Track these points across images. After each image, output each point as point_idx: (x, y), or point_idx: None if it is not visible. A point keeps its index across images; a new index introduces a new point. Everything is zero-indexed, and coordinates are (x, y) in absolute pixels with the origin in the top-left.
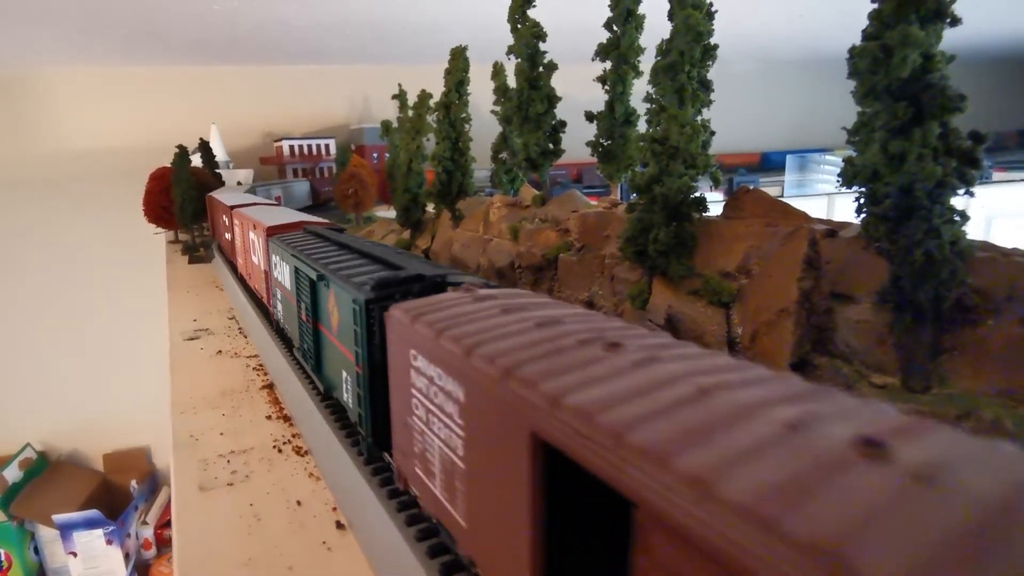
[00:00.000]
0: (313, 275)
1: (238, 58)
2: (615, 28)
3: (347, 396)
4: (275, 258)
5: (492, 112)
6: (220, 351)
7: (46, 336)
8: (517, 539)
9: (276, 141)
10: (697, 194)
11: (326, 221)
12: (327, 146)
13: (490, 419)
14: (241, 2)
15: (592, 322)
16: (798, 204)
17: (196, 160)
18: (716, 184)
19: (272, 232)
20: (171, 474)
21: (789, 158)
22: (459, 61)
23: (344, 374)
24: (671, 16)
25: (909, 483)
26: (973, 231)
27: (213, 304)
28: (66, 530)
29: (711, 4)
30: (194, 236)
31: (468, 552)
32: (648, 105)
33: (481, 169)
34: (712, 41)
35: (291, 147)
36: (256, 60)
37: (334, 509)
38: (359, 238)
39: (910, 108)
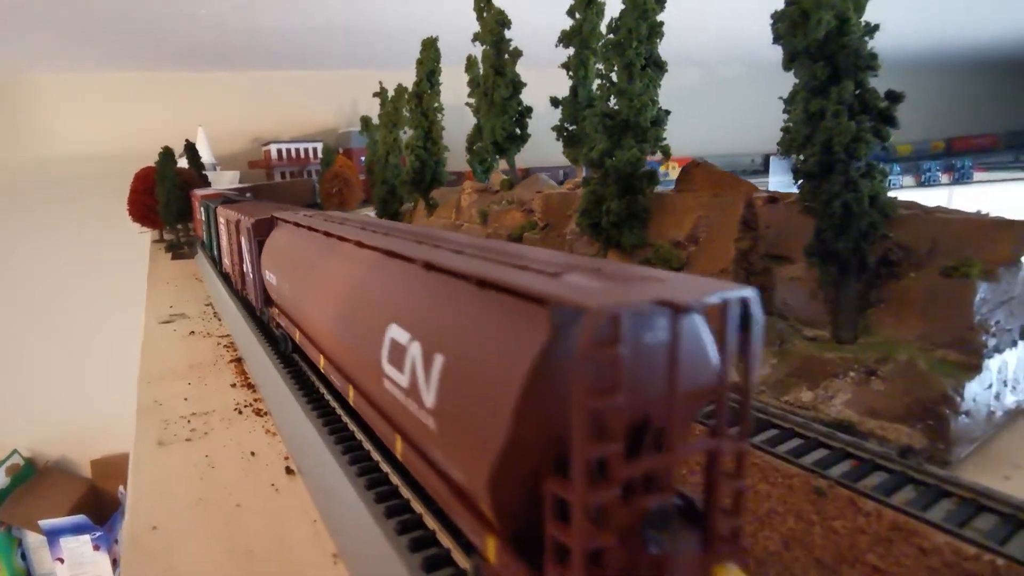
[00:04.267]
0: (206, 206)
1: (228, 63)
2: (577, 15)
3: (216, 252)
4: (202, 209)
5: (467, 104)
6: (193, 332)
7: (34, 341)
8: (238, 259)
9: (264, 145)
10: (648, 167)
11: (237, 188)
12: (315, 149)
13: (232, 227)
14: (228, 7)
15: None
16: None
17: (184, 163)
18: (666, 156)
19: (202, 197)
20: (134, 434)
21: (773, 160)
22: (430, 51)
23: (214, 243)
24: None
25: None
26: None
27: (192, 294)
28: (53, 536)
29: None
30: (178, 235)
31: (231, 274)
32: (599, 81)
33: None
34: (659, 19)
35: (279, 150)
36: (245, 65)
37: (286, 458)
38: (234, 193)
39: (827, 68)
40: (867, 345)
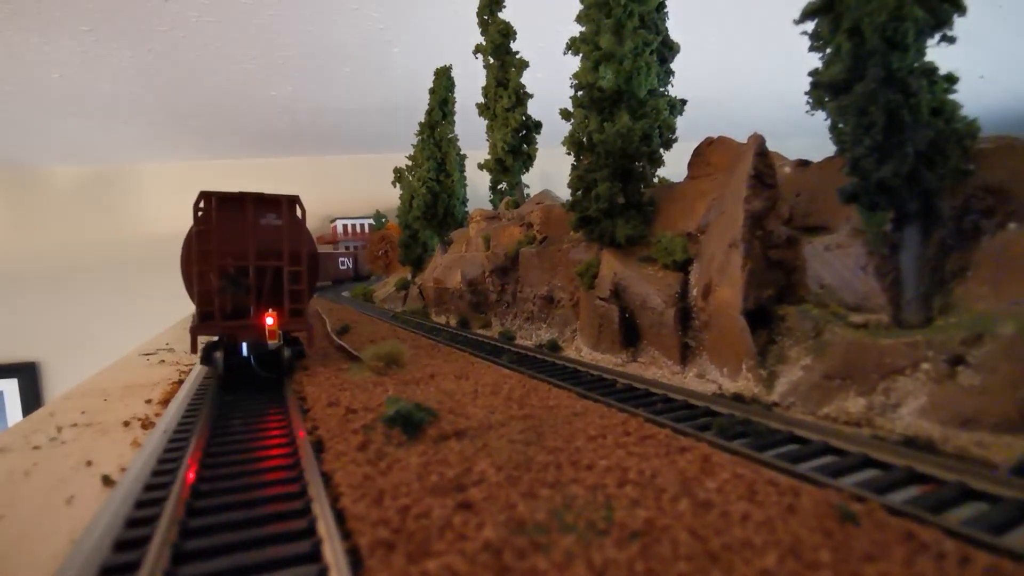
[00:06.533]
0: None
1: (300, 148)
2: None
3: None
4: None
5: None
6: (163, 361)
7: None
8: None
9: (332, 221)
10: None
11: None
12: (369, 225)
13: None
14: (296, 88)
15: None
16: None
17: None
18: (671, 132)
19: None
20: None
21: None
22: (442, 79)
23: None
24: None
25: None
26: None
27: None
28: None
29: None
30: None
31: None
32: (583, 47)
33: None
34: None
35: (344, 226)
36: (317, 150)
37: (122, 470)
38: None
39: None
40: (946, 326)
